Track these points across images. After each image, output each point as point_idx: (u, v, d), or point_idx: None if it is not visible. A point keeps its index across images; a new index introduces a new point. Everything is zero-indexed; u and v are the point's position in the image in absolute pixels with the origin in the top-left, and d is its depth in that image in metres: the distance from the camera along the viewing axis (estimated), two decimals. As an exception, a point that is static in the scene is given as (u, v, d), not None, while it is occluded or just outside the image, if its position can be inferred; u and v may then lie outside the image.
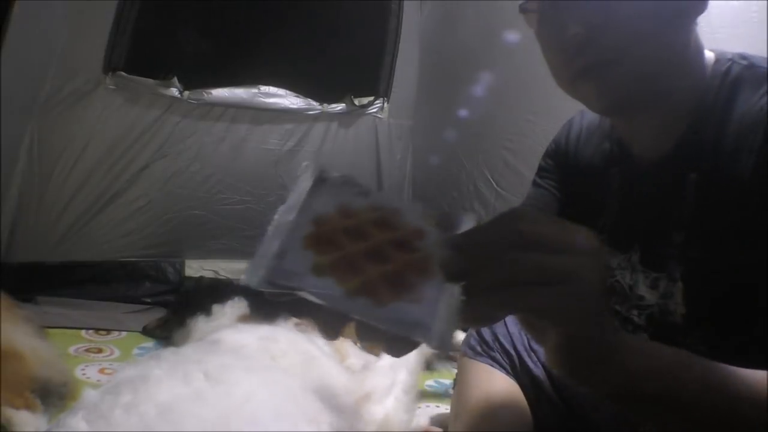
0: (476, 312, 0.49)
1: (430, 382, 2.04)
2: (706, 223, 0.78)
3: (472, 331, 1.20)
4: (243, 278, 0.48)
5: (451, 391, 1.87)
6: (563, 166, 1.04)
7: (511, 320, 1.17)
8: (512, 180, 2.52)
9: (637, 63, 0.74)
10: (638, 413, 0.60)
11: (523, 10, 0.83)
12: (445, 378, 2.06)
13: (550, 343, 0.52)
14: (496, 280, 0.47)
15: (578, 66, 0.77)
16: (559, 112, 2.59)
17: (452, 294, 0.47)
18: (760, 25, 1.77)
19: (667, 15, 0.75)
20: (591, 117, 1.01)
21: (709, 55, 0.82)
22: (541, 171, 1.09)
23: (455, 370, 2.05)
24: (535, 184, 1.10)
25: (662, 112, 0.82)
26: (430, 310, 0.46)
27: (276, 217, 0.50)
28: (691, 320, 0.82)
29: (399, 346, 0.48)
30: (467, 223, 0.52)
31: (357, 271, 0.47)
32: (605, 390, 0.55)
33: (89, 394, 1.20)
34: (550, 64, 0.83)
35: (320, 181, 0.52)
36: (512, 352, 1.13)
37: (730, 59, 0.80)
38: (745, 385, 0.54)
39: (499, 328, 1.16)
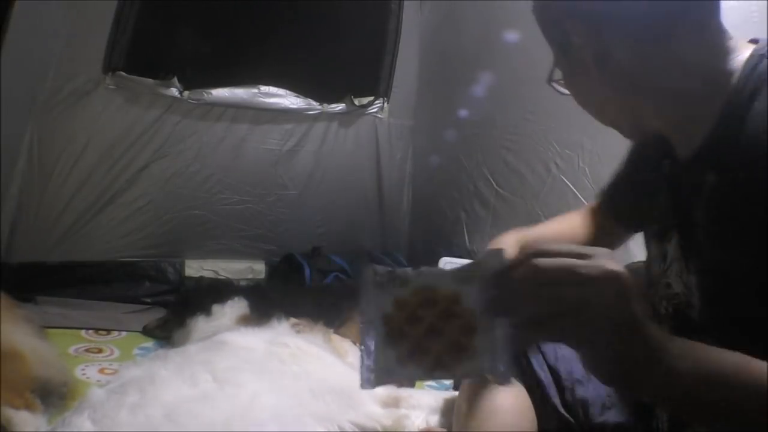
0: (521, 343, 0.59)
1: (430, 382, 2.04)
2: (721, 223, 0.77)
3: None
4: (362, 386, 0.61)
5: (451, 391, 1.87)
6: (637, 156, 1.06)
7: None
8: (512, 180, 2.52)
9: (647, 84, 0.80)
10: (694, 419, 0.62)
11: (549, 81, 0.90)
12: (444, 378, 2.06)
13: (584, 359, 0.59)
14: (526, 315, 0.56)
15: (599, 97, 0.87)
16: (559, 112, 2.61)
17: (497, 335, 0.58)
18: (760, 25, 1.77)
19: (658, 22, 0.76)
20: None
21: (746, 49, 0.79)
22: (625, 158, 1.11)
23: (455, 370, 2.06)
24: (618, 167, 1.12)
25: (685, 113, 0.81)
26: (484, 359, 0.58)
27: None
28: (704, 318, 0.82)
29: None
30: (495, 258, 0.60)
31: (425, 353, 0.60)
32: (657, 398, 0.60)
33: (95, 393, 1.20)
34: (589, 109, 0.93)
35: (377, 282, 0.63)
36: (520, 354, 1.14)
37: (762, 54, 0.77)
38: None
39: None
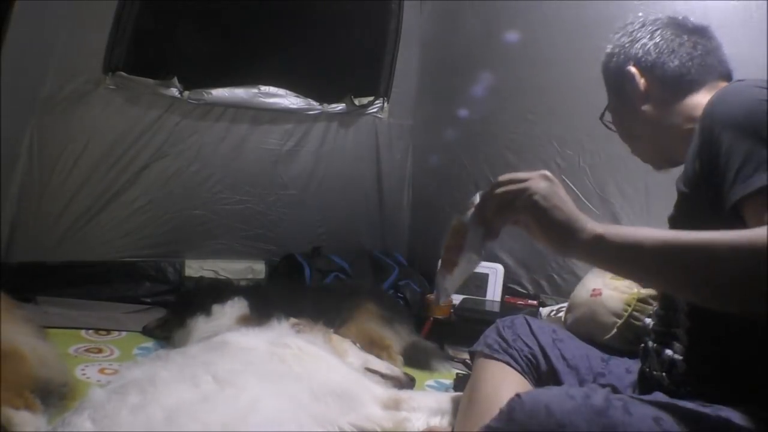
0: (493, 231, 0.89)
1: (430, 382, 2.04)
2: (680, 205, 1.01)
3: (490, 333, 1.22)
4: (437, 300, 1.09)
5: (451, 391, 1.88)
6: None
7: (533, 322, 1.24)
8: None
9: (639, 142, 1.20)
10: (619, 273, 0.90)
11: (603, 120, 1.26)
12: (445, 378, 2.07)
13: (534, 231, 0.84)
14: (491, 211, 0.87)
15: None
16: (560, 112, 2.60)
17: (477, 229, 0.91)
18: (760, 25, 1.77)
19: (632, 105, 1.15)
20: None
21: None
22: None
23: (455, 371, 2.07)
24: None
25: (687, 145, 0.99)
26: (469, 245, 0.93)
27: None
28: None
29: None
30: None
31: (452, 264, 0.96)
32: (585, 253, 0.81)
33: (96, 394, 1.19)
34: None
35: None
36: (536, 348, 1.19)
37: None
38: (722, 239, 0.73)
39: (521, 329, 1.18)
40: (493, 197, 0.87)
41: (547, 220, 0.82)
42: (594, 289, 1.45)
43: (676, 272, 0.76)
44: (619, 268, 0.85)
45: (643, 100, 1.12)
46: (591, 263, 0.87)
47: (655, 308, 1.10)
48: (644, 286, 1.50)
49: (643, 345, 1.08)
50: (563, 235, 0.81)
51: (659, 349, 1.02)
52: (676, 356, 0.98)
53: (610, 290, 1.58)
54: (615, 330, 1.51)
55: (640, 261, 0.78)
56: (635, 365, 1.14)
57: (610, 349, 1.26)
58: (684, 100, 1.08)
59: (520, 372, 1.14)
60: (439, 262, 0.97)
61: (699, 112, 0.93)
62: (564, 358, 1.15)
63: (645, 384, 1.04)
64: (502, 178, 0.87)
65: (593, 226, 0.81)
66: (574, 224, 0.81)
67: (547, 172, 0.86)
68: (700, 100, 1.03)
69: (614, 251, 0.79)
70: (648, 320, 1.39)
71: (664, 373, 1.00)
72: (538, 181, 0.84)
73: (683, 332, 0.98)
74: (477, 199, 0.93)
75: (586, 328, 1.30)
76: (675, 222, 1.00)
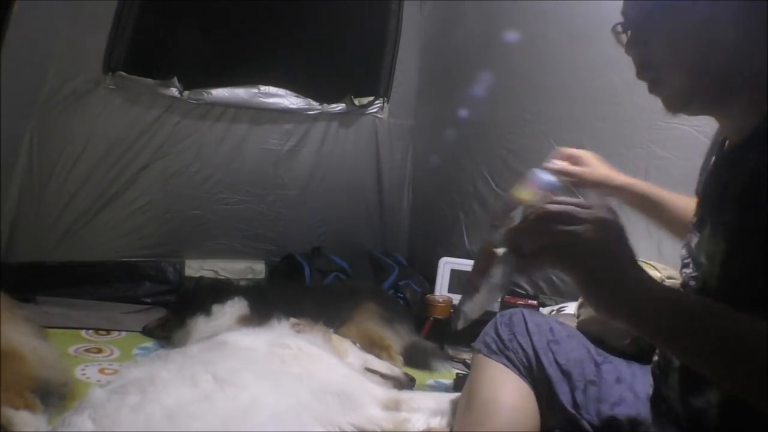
0: (531, 268, 0.73)
1: (430, 382, 2.04)
2: (754, 202, 0.78)
3: (489, 329, 1.21)
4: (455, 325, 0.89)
5: (451, 391, 1.88)
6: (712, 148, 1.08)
7: (531, 318, 1.19)
8: (511, 180, 2.50)
9: (687, 76, 0.84)
10: (667, 348, 0.76)
11: (613, 31, 0.94)
12: (445, 378, 2.07)
13: (578, 286, 0.70)
14: (531, 247, 0.70)
15: (647, 80, 0.89)
16: (558, 112, 2.60)
17: (507, 258, 0.75)
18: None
19: (720, 20, 0.80)
20: None
21: None
22: None
23: (455, 370, 2.07)
24: None
25: (740, 103, 0.83)
26: (495, 274, 0.77)
27: None
28: (723, 295, 0.81)
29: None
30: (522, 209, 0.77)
31: (474, 288, 0.82)
32: (634, 322, 0.69)
33: (96, 393, 1.20)
34: None
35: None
36: (530, 351, 1.15)
37: None
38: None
39: (518, 326, 1.17)
40: (536, 231, 0.70)
41: (595, 283, 0.68)
42: None
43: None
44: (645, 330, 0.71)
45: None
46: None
47: None
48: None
49: (657, 371, 1.00)
50: (610, 301, 0.69)
51: (685, 393, 0.90)
52: (711, 408, 0.85)
53: None
54: (629, 338, 1.43)
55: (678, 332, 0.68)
56: (627, 370, 1.11)
57: (611, 348, 1.23)
58: None
59: (517, 374, 1.14)
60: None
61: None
62: (557, 363, 1.13)
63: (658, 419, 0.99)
64: (553, 208, 0.70)
65: (641, 289, 0.68)
66: (626, 291, 0.68)
67: (612, 206, 0.71)
68: None
69: (653, 318, 0.68)
70: None
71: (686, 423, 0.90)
72: (599, 225, 0.68)
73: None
74: (516, 216, 0.76)
75: (599, 328, 1.27)
76: (721, 253, 0.83)
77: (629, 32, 0.89)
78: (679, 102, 0.88)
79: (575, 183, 1.25)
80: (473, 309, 0.84)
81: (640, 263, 0.71)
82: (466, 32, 2.78)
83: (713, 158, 0.97)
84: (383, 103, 2.98)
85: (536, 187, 1.17)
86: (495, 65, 2.59)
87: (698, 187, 1.07)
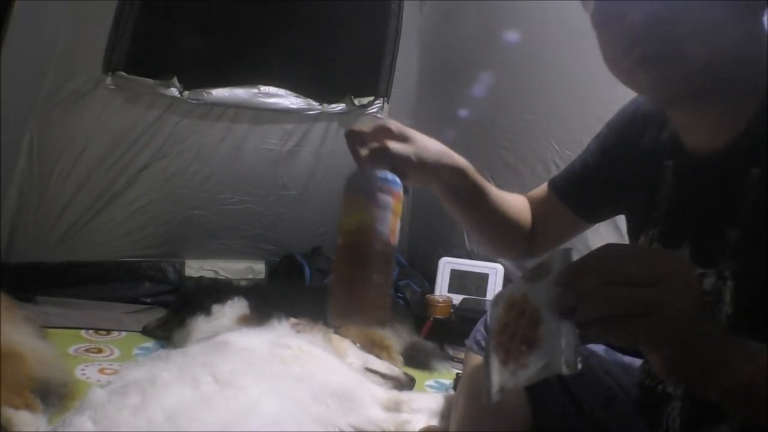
0: (588, 341, 0.58)
1: (430, 382, 2.04)
2: (763, 222, 0.74)
3: (480, 327, 1.19)
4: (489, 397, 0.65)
5: (451, 392, 1.88)
6: (617, 151, 1.00)
7: None
8: (511, 180, 2.51)
9: (700, 54, 0.72)
10: (756, 415, 0.61)
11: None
12: (445, 378, 2.07)
13: (655, 362, 0.58)
14: (594, 314, 0.55)
15: (637, 55, 0.75)
16: (559, 112, 2.60)
17: (566, 327, 0.58)
18: (760, 25, 1.77)
19: (732, 3, 0.72)
20: (648, 104, 0.96)
21: None
22: (592, 152, 1.07)
23: (455, 370, 2.07)
24: (582, 159, 1.08)
25: (724, 104, 0.78)
26: (550, 350, 0.58)
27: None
28: (735, 322, 0.77)
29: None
30: (563, 256, 0.61)
31: (509, 355, 0.63)
32: (723, 398, 0.59)
33: (96, 394, 1.20)
34: (604, 51, 0.80)
35: (493, 303, 0.70)
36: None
37: None
38: None
39: None
40: (596, 292, 0.55)
41: (676, 359, 0.57)
42: None
43: None
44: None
45: None
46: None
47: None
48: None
49: (650, 398, 0.92)
50: (694, 377, 0.58)
51: (692, 428, 0.84)
52: None
53: None
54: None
55: None
56: (613, 364, 1.07)
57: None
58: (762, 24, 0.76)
59: None
60: (491, 342, 0.67)
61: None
62: None
63: None
64: (622, 261, 0.55)
65: (737, 363, 0.57)
66: (714, 364, 0.57)
67: (689, 262, 0.60)
68: None
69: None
70: None
71: None
72: (680, 287, 0.54)
73: (738, 416, 0.76)
74: (556, 260, 0.61)
75: None
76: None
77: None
78: (685, 89, 0.75)
79: (409, 167, 0.89)
80: (514, 382, 0.63)
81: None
82: (466, 32, 2.78)
83: (669, 163, 0.88)
84: (383, 103, 2.98)
85: (361, 193, 0.81)
86: (495, 65, 2.59)
87: (586, 192, 1.04)
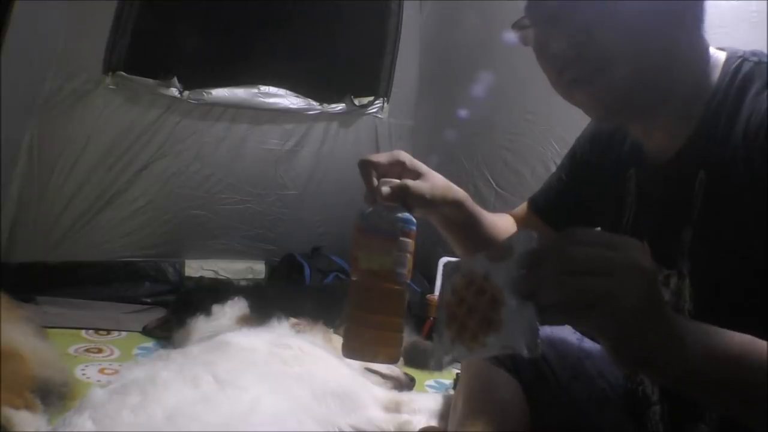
0: (547, 324, 0.59)
1: (430, 382, 2.04)
2: (713, 220, 0.77)
3: None
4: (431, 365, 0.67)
5: (451, 392, 1.88)
6: (587, 165, 1.04)
7: None
8: (511, 180, 2.52)
9: (628, 70, 0.75)
10: (708, 400, 0.66)
11: (517, 27, 0.85)
12: (445, 378, 2.07)
13: (607, 348, 0.60)
14: (551, 301, 0.57)
15: (568, 78, 0.80)
16: (559, 113, 2.60)
17: (528, 310, 0.58)
18: (760, 25, 1.77)
19: (661, 17, 0.75)
20: None
21: (719, 53, 0.82)
22: (565, 168, 1.10)
23: (455, 371, 2.07)
24: (557, 176, 1.11)
25: (668, 112, 0.81)
26: (512, 333, 0.59)
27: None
28: (697, 318, 0.78)
29: None
30: (526, 239, 0.62)
31: (466, 330, 0.64)
32: (671, 380, 0.62)
33: (96, 394, 1.20)
34: (547, 76, 0.85)
35: (444, 274, 0.70)
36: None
37: (740, 57, 0.80)
38: None
39: None
40: (553, 280, 0.57)
41: (625, 347, 0.59)
42: None
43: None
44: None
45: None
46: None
47: None
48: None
49: (638, 394, 0.95)
50: (643, 364, 0.61)
51: (673, 424, 0.86)
52: None
53: None
54: None
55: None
56: (607, 366, 1.08)
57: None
58: (700, 34, 0.80)
59: (504, 370, 1.13)
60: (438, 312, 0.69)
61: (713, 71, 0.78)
62: (543, 358, 1.12)
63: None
64: (579, 253, 0.57)
65: (689, 350, 0.59)
66: (664, 352, 0.59)
67: (643, 247, 0.59)
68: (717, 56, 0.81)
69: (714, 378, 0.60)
70: None
71: None
72: (631, 277, 0.56)
73: (714, 416, 0.81)
74: (520, 241, 0.61)
75: None
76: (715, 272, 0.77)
77: (559, 21, 0.77)
78: (617, 104, 0.78)
79: (422, 204, 0.91)
80: (469, 357, 0.66)
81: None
82: (466, 32, 2.78)
83: (631, 172, 0.92)
84: (383, 103, 2.98)
85: (382, 236, 0.82)
86: (495, 65, 2.59)
87: (563, 210, 1.06)
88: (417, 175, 0.92)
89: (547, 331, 1.16)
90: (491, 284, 0.62)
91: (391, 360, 0.81)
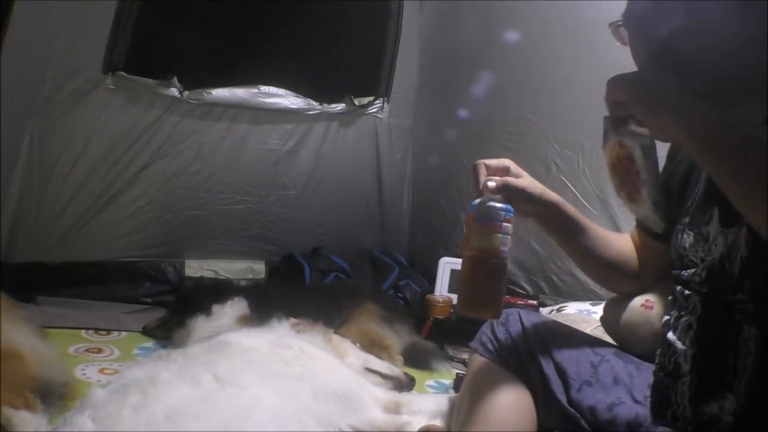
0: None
1: (430, 383, 2.04)
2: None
3: (485, 329, 1.21)
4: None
5: (451, 392, 1.88)
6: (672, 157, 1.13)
7: (527, 318, 1.20)
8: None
9: (714, 66, 0.84)
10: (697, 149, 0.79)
11: (613, 26, 0.96)
12: (445, 378, 2.07)
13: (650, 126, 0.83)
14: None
15: (668, 65, 0.88)
16: (559, 113, 2.60)
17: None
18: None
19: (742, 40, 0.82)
20: None
21: None
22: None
23: (455, 370, 2.07)
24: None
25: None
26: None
27: None
28: (745, 270, 0.85)
29: None
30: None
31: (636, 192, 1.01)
32: (687, 124, 0.76)
33: (97, 393, 1.20)
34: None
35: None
36: (526, 351, 1.14)
37: None
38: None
39: (514, 326, 1.17)
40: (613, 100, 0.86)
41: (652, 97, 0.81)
42: (647, 300, 1.31)
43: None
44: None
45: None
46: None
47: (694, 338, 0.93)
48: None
49: (662, 374, 0.99)
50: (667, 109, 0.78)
51: (697, 398, 0.89)
52: (725, 415, 0.84)
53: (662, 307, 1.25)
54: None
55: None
56: (624, 371, 1.10)
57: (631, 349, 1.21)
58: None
59: (512, 374, 1.14)
60: None
61: None
62: (553, 363, 1.12)
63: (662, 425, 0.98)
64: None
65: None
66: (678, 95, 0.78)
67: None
68: None
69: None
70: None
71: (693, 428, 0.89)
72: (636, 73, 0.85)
73: (743, 385, 0.83)
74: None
75: (625, 333, 1.22)
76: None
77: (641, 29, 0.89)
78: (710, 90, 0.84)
79: (518, 197, 1.07)
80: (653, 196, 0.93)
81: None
82: (466, 32, 2.78)
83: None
84: (383, 103, 2.98)
85: (490, 222, 1.01)
86: (495, 65, 2.59)
87: (674, 185, 1.09)
88: (518, 176, 1.09)
89: (559, 336, 1.17)
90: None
91: (496, 316, 1.06)
